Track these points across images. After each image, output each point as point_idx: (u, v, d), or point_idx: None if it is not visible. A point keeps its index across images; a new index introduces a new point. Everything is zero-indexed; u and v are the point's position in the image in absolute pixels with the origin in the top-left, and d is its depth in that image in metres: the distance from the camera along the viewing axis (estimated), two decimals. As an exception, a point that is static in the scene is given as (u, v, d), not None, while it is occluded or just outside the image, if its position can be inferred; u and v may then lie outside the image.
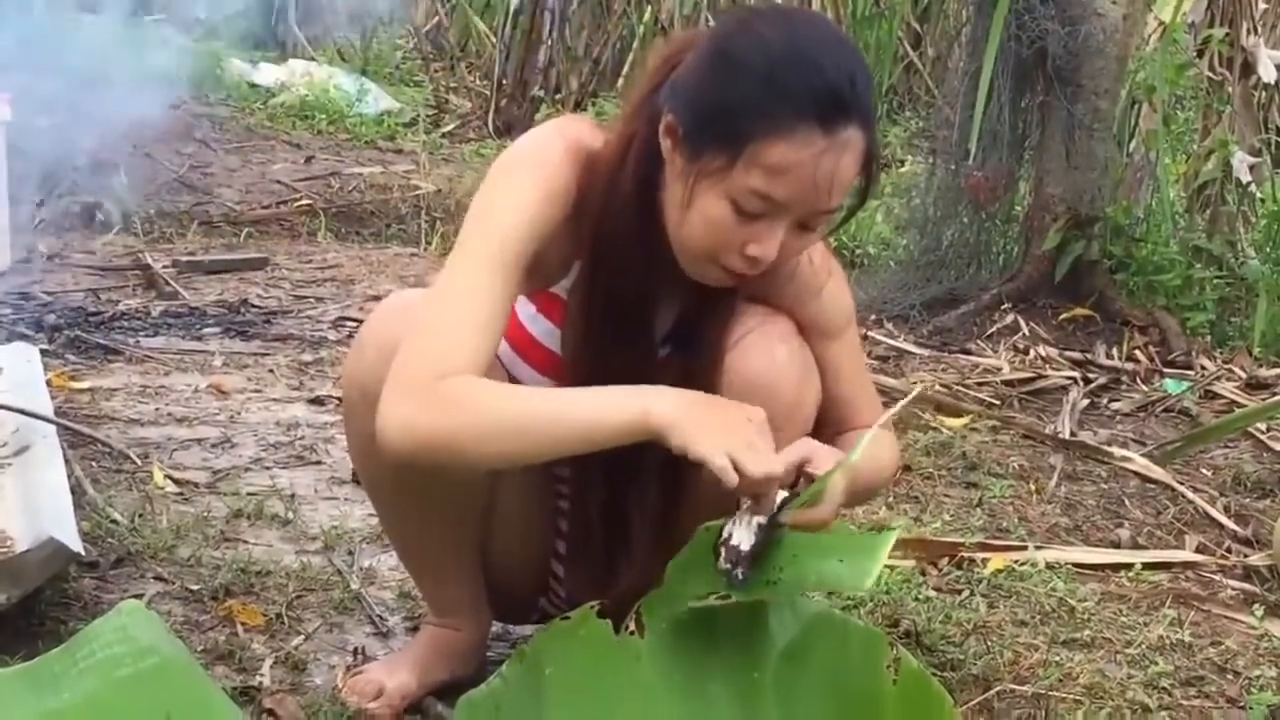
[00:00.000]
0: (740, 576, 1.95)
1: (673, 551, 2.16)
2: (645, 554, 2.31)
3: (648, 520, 2.30)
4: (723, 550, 1.97)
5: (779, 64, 2.00)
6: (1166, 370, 4.84)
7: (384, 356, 2.15)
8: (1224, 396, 4.59)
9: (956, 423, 4.14)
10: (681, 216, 2.07)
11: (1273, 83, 5.87)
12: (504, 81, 9.26)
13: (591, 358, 2.21)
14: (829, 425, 2.28)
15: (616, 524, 2.35)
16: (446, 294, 2.12)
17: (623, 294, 2.20)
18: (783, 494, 2.01)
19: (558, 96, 9.28)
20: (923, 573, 3.07)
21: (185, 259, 5.66)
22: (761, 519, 1.98)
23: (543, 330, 2.27)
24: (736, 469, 1.92)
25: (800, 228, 2.07)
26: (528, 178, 2.14)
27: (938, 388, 4.45)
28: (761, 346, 2.21)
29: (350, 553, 3.02)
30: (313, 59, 10.08)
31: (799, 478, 2.05)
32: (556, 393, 2.12)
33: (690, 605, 2.00)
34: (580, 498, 2.38)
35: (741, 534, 1.97)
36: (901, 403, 2.20)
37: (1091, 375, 4.76)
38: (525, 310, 2.26)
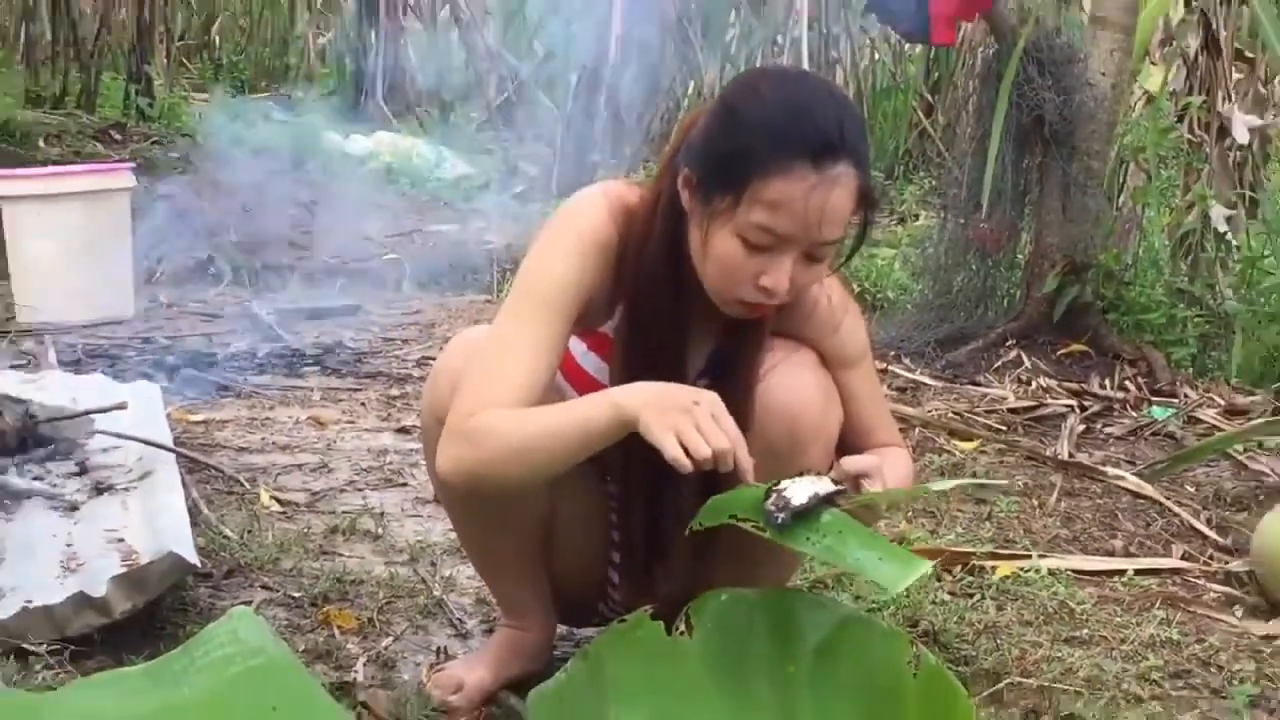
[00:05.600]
0: (780, 521, 1.92)
1: (709, 563, 2.18)
2: (683, 566, 2.32)
3: (684, 536, 2.29)
4: (774, 494, 1.95)
5: (776, 113, 2.02)
6: (1154, 399, 4.79)
7: (455, 385, 2.17)
8: (1205, 421, 4.54)
9: (967, 446, 4.12)
10: (702, 258, 2.09)
11: (1245, 144, 5.82)
12: (566, 149, 9.29)
13: None
14: (850, 444, 2.28)
15: (657, 538, 2.34)
16: (496, 341, 2.14)
17: (658, 333, 2.20)
18: (839, 485, 2.01)
19: (613, 162, 9.30)
20: (938, 579, 3.05)
21: (287, 307, 5.69)
22: (818, 490, 1.97)
23: (593, 366, 2.28)
24: (688, 452, 1.92)
25: (807, 259, 2.07)
26: (574, 233, 2.17)
27: (950, 416, 4.43)
28: (789, 376, 2.22)
29: (433, 564, 3.02)
30: (397, 131, 10.12)
31: (854, 481, 2.06)
32: (549, 410, 2.09)
33: (730, 521, 1.98)
34: (625, 514, 2.38)
35: (796, 490, 1.95)
36: (944, 485, 2.18)
37: (1087, 403, 4.72)
38: (578, 347, 2.26)
